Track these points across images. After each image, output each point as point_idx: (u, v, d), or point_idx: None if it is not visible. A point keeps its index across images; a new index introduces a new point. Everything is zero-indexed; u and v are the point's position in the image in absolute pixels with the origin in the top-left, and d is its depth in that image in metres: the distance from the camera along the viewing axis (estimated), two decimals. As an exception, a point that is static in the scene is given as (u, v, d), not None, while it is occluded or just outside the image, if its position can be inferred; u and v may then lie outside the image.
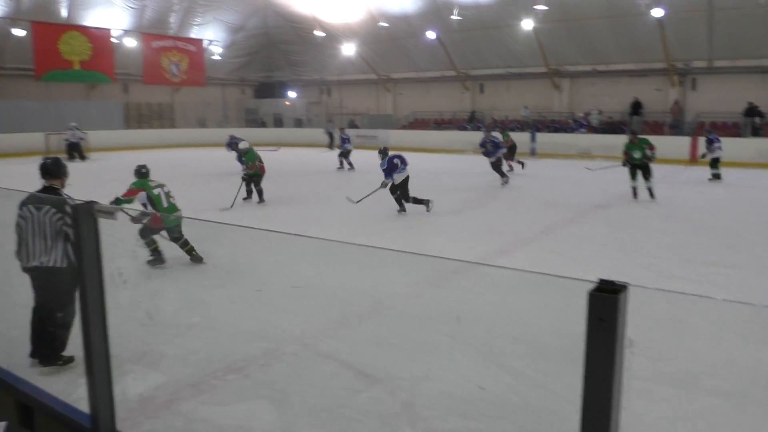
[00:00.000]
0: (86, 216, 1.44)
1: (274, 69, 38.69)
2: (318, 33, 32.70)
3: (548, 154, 24.28)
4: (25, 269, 4.44)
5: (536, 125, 26.71)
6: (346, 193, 12.20)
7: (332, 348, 5.01)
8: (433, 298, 6.19)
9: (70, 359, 4.45)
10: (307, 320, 5.65)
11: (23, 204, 4.40)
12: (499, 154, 15.30)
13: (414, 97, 33.74)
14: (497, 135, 15.68)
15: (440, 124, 31.27)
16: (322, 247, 7.14)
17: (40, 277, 4.43)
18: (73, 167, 19.63)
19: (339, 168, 19.79)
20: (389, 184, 11.45)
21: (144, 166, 7.87)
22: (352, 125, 32.83)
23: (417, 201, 11.56)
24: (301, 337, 5.21)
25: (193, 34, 33.33)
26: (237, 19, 34.23)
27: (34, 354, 4.48)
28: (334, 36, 33.10)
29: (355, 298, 6.06)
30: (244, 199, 12.64)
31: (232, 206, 11.71)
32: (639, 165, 12.85)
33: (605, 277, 1.25)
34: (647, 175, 12.79)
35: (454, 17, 26.39)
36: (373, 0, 29.74)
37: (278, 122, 36.29)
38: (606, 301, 1.17)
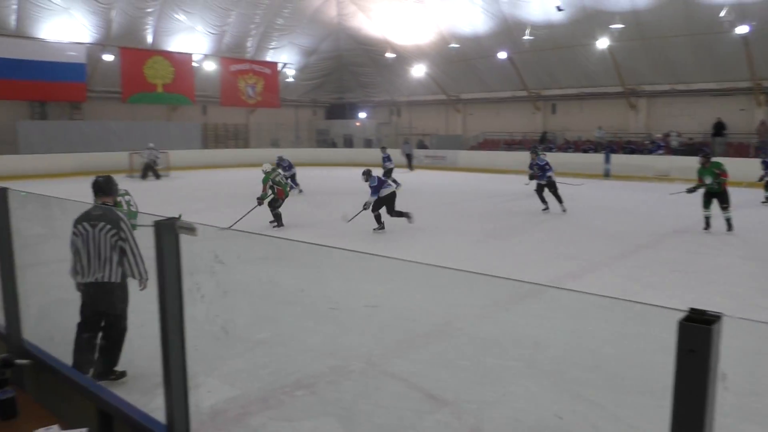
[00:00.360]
0: (168, 232, 1.49)
1: (345, 90, 39.44)
2: (389, 55, 33.14)
3: (623, 176, 23.52)
4: (80, 285, 4.53)
5: (611, 146, 25.98)
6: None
7: (399, 368, 4.97)
8: (503, 321, 6.06)
9: (123, 374, 4.57)
10: (374, 339, 5.65)
11: (78, 222, 4.48)
12: (547, 177, 14.16)
13: (484, 117, 33.54)
14: (545, 157, 14.84)
15: (510, 145, 30.91)
16: (390, 266, 7.14)
17: (96, 293, 4.49)
18: (149, 185, 20.52)
19: None
20: (371, 204, 11.44)
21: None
22: (422, 146, 32.95)
23: (400, 214, 11.59)
24: (368, 356, 5.20)
25: (269, 57, 34.48)
26: (310, 42, 35.20)
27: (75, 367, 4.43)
28: (404, 57, 33.47)
29: (423, 318, 6.02)
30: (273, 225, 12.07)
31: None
32: (714, 192, 11.43)
33: (684, 305, 1.18)
34: (724, 204, 11.35)
35: (526, 37, 26.16)
36: (443, 22, 29.91)
37: (348, 143, 36.87)
38: (698, 332, 1.10)
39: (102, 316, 4.58)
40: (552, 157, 25.69)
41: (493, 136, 32.46)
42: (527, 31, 26.11)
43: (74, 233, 4.46)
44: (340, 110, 39.23)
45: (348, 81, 38.91)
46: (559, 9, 24.95)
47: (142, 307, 5.99)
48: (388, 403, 4.30)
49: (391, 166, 19.95)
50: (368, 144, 36.42)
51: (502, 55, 28.62)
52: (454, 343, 5.60)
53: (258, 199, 11.85)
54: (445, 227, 11.39)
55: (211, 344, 4.52)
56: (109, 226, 4.43)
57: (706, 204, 11.57)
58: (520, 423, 3.98)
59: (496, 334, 5.68)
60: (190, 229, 1.48)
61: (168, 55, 29.62)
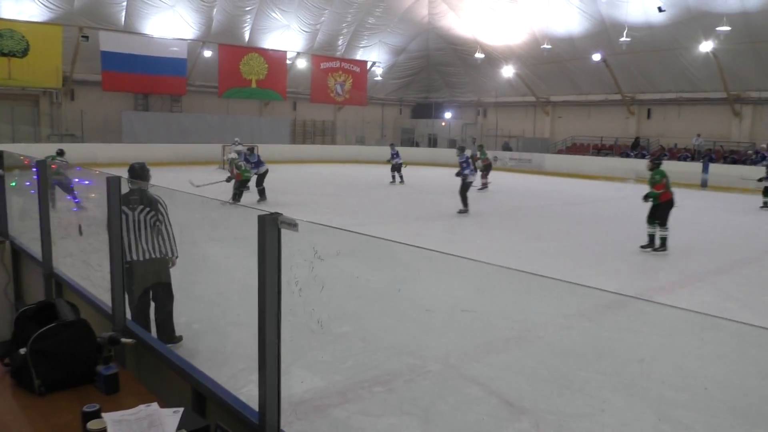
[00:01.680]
0: (271, 226, 1.56)
1: (431, 90, 39.42)
2: (478, 55, 32.82)
3: (722, 188, 22.22)
4: (126, 263, 4.84)
5: (710, 155, 24.61)
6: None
7: (477, 372, 4.94)
8: (586, 332, 5.90)
9: (180, 338, 5.10)
10: (452, 341, 5.64)
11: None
12: (463, 175, 14.02)
13: (574, 120, 32.61)
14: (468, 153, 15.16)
15: (600, 150, 29.90)
16: (472, 268, 7.09)
17: (145, 269, 4.88)
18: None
19: (391, 182, 20.72)
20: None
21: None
22: (507, 147, 32.45)
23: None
24: (446, 358, 5.20)
25: (359, 55, 34.99)
26: (400, 41, 35.43)
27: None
28: (493, 58, 33.05)
29: (503, 323, 5.95)
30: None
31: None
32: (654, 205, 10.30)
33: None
34: (653, 218, 10.29)
35: (623, 39, 25.18)
36: (537, 22, 29.31)
37: (432, 142, 36.82)
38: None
39: (148, 291, 4.98)
40: (645, 164, 24.72)
41: (582, 140, 31.51)
42: (625, 33, 25.13)
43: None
44: (426, 109, 39.25)
45: (435, 80, 38.87)
46: (660, 10, 23.87)
47: (237, 297, 6.27)
48: (465, 406, 4.29)
49: (401, 162, 20.90)
50: (452, 144, 36.23)
51: (597, 56, 27.71)
52: (534, 351, 5.50)
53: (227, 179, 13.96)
54: (528, 232, 11.18)
55: (296, 335, 4.66)
56: (147, 209, 4.85)
57: (649, 218, 10.43)
58: (601, 438, 3.87)
59: (579, 345, 5.54)
60: (292, 225, 1.54)
61: (263, 52, 30.65)
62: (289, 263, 1.71)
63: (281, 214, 1.58)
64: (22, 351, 2.51)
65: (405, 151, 31.70)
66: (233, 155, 15.33)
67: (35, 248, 4.69)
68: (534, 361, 5.24)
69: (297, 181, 20.82)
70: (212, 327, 5.77)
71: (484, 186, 19.09)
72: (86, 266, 5.54)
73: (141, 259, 4.85)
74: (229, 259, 7.81)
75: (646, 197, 10.35)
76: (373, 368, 4.84)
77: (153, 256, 4.88)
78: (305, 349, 5.13)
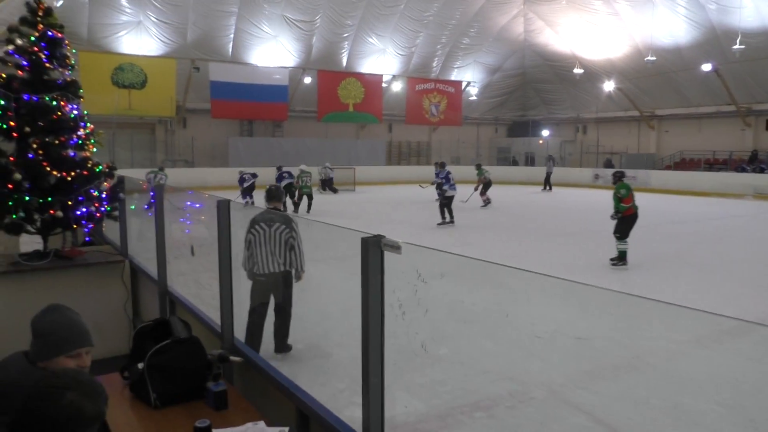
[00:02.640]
0: (374, 248, 1.57)
1: (528, 108, 38.75)
2: (577, 70, 31.93)
3: None
4: (255, 276, 5.22)
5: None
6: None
7: (583, 399, 4.72)
8: (702, 360, 5.50)
9: (290, 347, 5.46)
10: (556, 366, 5.42)
11: (254, 223, 5.25)
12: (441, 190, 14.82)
13: (682, 134, 30.87)
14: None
15: (713, 165, 28.08)
16: (575, 290, 6.82)
17: (272, 282, 5.22)
18: (327, 199, 21.77)
19: (439, 223, 15.28)
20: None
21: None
22: (609, 164, 31.19)
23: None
24: (549, 384, 5.00)
25: (453, 76, 35.04)
26: (495, 60, 35.18)
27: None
28: (593, 72, 32.04)
29: (611, 349, 5.66)
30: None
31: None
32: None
33: None
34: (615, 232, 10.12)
35: (737, 46, 23.63)
36: (639, 34, 28.16)
37: (530, 161, 36.07)
38: None
39: (268, 302, 5.34)
40: (766, 180, 23.03)
41: (692, 155, 29.77)
42: (738, 40, 23.58)
43: (251, 232, 5.22)
44: (523, 128, 38.57)
45: (531, 98, 38.18)
46: (778, 14, 22.28)
47: (338, 317, 6.37)
48: (571, 435, 4.10)
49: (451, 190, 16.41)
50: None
51: (707, 66, 26.17)
52: (645, 379, 5.19)
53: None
54: (635, 253, 10.62)
55: (394, 356, 4.66)
56: (284, 227, 5.25)
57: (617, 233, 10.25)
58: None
59: (695, 374, 5.17)
60: (395, 247, 1.53)
61: (360, 77, 31.41)
62: (391, 285, 1.70)
63: (384, 236, 1.58)
64: (140, 366, 2.66)
65: (501, 171, 31.26)
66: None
67: (151, 268, 4.99)
68: (645, 389, 4.93)
69: (391, 202, 21.02)
70: (314, 347, 5.88)
71: (486, 203, 19.02)
72: (197, 285, 5.82)
73: (274, 271, 5.20)
74: (331, 279, 7.95)
75: (615, 214, 10.28)
76: (473, 393, 4.74)
77: (283, 269, 5.23)
78: (404, 370, 5.11)
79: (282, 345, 5.42)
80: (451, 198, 14.74)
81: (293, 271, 5.35)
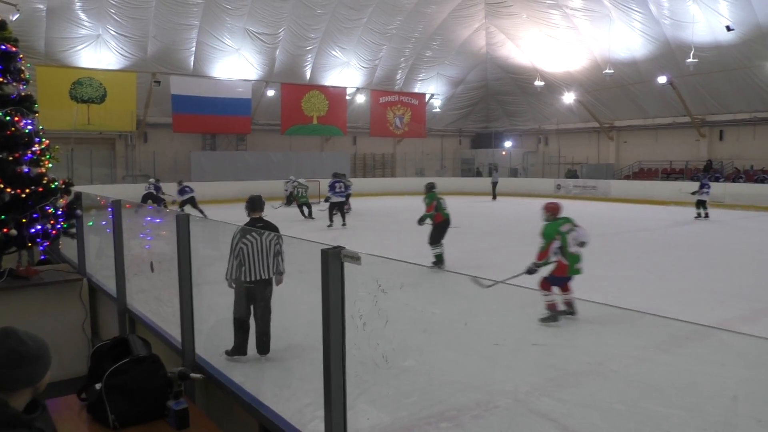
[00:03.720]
0: (334, 260, 1.56)
1: (491, 120, 39.29)
2: (538, 83, 32.54)
3: (806, 209, 21.01)
4: (244, 283, 5.37)
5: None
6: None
7: (548, 407, 4.76)
8: (663, 365, 5.60)
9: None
10: (521, 375, 5.46)
11: (246, 232, 5.40)
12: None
13: (640, 145, 31.69)
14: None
15: (670, 174, 28.85)
16: (538, 299, 6.90)
17: (259, 287, 5.41)
18: (290, 212, 21.71)
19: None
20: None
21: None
22: (572, 175, 31.81)
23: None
24: (514, 392, 5.03)
25: (417, 88, 35.35)
26: (458, 73, 35.64)
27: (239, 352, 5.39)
28: (553, 85, 32.70)
29: (574, 356, 5.73)
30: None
31: None
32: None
33: None
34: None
35: (690, 60, 24.41)
36: (597, 47, 28.88)
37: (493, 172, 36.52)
38: None
39: (250, 308, 5.53)
40: (720, 188, 23.76)
41: (650, 165, 30.55)
42: (692, 54, 24.37)
43: (243, 242, 5.34)
44: (486, 139, 39.07)
45: (494, 110, 38.75)
46: (729, 29, 23.08)
47: (303, 331, 6.31)
48: (536, 443, 4.12)
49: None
50: (514, 173, 35.85)
51: (662, 79, 26.96)
52: (608, 385, 5.26)
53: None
54: (596, 261, 10.79)
55: (362, 370, 4.63)
56: (273, 235, 5.54)
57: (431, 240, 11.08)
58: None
59: (658, 379, 5.26)
60: (355, 258, 1.53)
61: (323, 89, 31.43)
62: (353, 297, 1.70)
63: (344, 247, 1.58)
64: (98, 386, 2.59)
65: (466, 182, 31.54)
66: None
67: (111, 285, 4.87)
68: (608, 395, 5.00)
69: (355, 214, 21.00)
70: (278, 362, 5.80)
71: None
72: (158, 302, 5.70)
73: (264, 277, 5.41)
74: (295, 293, 7.88)
75: (420, 220, 11.04)
76: (439, 403, 4.73)
77: (270, 275, 5.48)
78: (369, 383, 5.08)
79: (266, 345, 5.57)
80: (337, 203, 17.05)
81: (275, 276, 5.56)
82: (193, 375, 2.65)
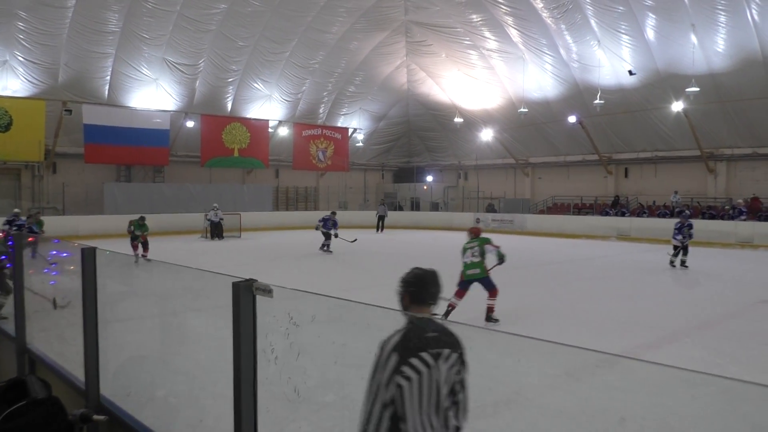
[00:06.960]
0: (246, 292, 1.54)
1: (413, 155, 40.11)
2: (457, 119, 33.60)
3: (702, 243, 22.48)
4: None
5: (686, 211, 25.06)
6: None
7: (466, 438, 4.79)
8: (574, 392, 5.79)
9: None
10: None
11: (410, 353, 2.61)
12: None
13: (553, 181, 33.20)
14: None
15: (581, 209, 30.31)
16: (456, 331, 6.97)
17: None
18: (215, 245, 21.13)
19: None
20: None
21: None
22: (491, 209, 32.80)
23: None
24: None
25: (340, 122, 35.66)
26: (380, 108, 36.28)
27: None
28: (472, 122, 33.86)
29: (490, 386, 5.82)
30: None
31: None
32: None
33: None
34: None
35: (597, 101, 26.00)
36: (512, 87, 30.22)
37: (415, 206, 37.15)
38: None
39: None
40: (626, 222, 25.13)
41: (562, 200, 31.98)
42: (598, 95, 25.97)
43: (404, 374, 2.55)
44: (408, 174, 39.79)
45: (416, 145, 39.60)
46: (631, 73, 24.83)
47: (218, 368, 6.10)
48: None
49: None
50: (435, 207, 36.57)
51: (572, 119, 28.49)
52: (524, 414, 5.38)
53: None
54: (510, 292, 11.13)
55: (278, 405, 4.52)
56: (455, 355, 2.70)
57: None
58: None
59: (570, 406, 5.43)
60: (267, 291, 1.52)
61: (245, 122, 31.13)
62: (264, 330, 1.67)
63: (256, 280, 1.56)
64: (-11, 432, 2.41)
65: (390, 216, 31.93)
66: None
67: (9, 324, 4.56)
68: (525, 424, 5.12)
69: (275, 248, 20.74)
70: (192, 401, 5.57)
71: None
72: (60, 341, 5.39)
73: None
74: (209, 328, 7.64)
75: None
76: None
77: None
78: (287, 420, 4.97)
79: None
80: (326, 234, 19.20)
81: None
82: (96, 417, 2.51)
